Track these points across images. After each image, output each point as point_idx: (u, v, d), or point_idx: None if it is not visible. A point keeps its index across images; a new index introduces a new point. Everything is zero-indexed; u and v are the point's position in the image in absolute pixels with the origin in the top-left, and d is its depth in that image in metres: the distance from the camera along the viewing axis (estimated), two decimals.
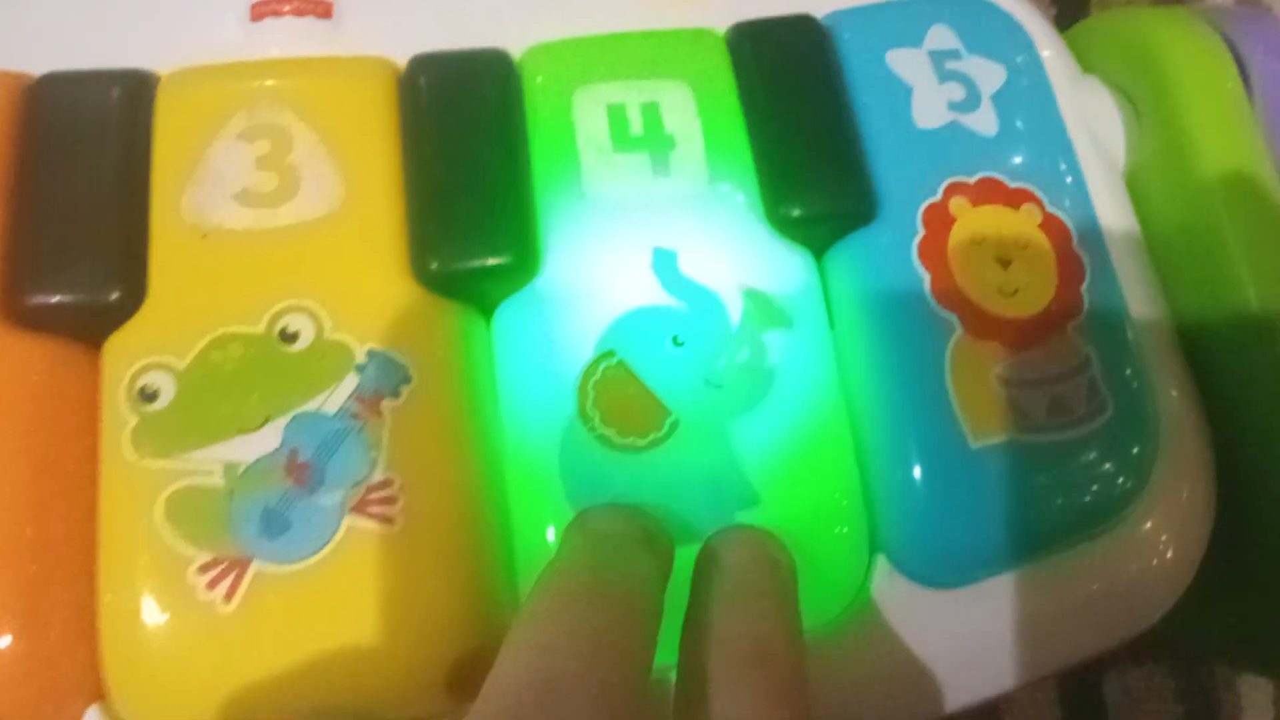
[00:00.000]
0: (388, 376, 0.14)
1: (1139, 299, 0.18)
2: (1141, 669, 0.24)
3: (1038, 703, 0.23)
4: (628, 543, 0.13)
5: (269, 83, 0.15)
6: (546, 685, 0.11)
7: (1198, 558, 0.18)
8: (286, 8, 0.17)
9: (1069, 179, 0.18)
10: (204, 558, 0.13)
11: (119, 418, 0.14)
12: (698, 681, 0.12)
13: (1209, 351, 0.19)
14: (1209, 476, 0.18)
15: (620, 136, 0.16)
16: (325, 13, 0.17)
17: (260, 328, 0.14)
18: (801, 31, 0.18)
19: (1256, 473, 0.18)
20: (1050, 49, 0.20)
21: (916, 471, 0.15)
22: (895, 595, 0.16)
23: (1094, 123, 0.20)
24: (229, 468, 0.13)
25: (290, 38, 0.17)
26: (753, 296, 0.16)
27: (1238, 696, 0.24)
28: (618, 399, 0.15)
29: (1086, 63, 0.21)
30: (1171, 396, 0.18)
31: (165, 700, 0.13)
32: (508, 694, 0.11)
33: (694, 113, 0.16)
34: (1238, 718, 0.24)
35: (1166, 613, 0.19)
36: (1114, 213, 0.19)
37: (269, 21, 0.17)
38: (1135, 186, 0.20)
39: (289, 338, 0.14)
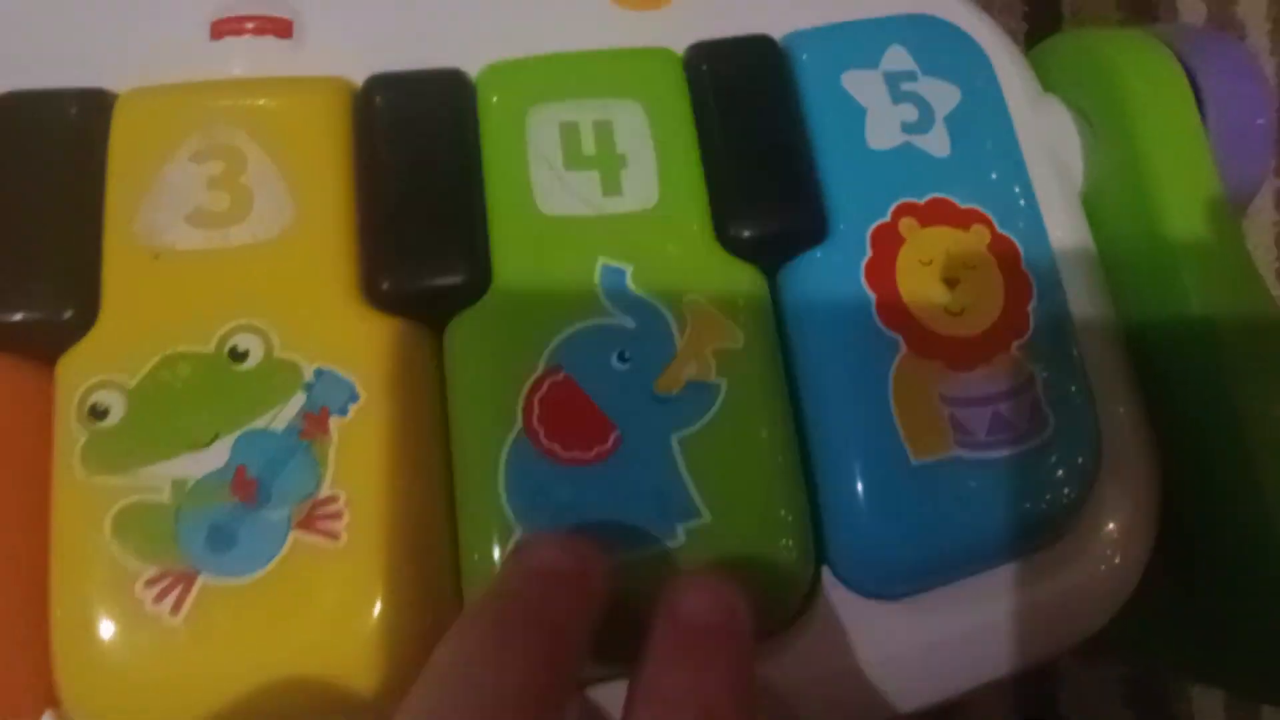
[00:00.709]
0: (335, 395, 0.14)
1: (1089, 316, 0.19)
2: (1095, 676, 0.24)
3: (994, 707, 0.24)
4: (560, 579, 0.13)
5: (223, 103, 0.16)
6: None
7: (1140, 567, 0.18)
8: (246, 27, 0.17)
9: (1021, 199, 0.18)
10: (151, 572, 0.13)
11: (70, 435, 0.14)
12: None
13: (1160, 366, 0.19)
14: (1154, 489, 0.18)
15: (572, 155, 0.16)
16: (285, 31, 0.17)
17: (210, 347, 0.14)
18: (758, 52, 0.18)
19: (1203, 487, 0.18)
20: (1011, 69, 0.20)
21: (859, 487, 0.16)
22: (840, 607, 0.16)
23: (1053, 142, 0.20)
24: (177, 484, 0.14)
25: (251, 57, 0.17)
26: (700, 314, 0.16)
27: (1189, 703, 0.24)
28: (563, 415, 0.15)
29: (1048, 82, 0.22)
30: (1118, 412, 0.18)
31: (115, 708, 0.14)
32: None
33: (647, 132, 0.17)
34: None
35: (1118, 622, 0.20)
36: (1068, 231, 0.19)
37: (229, 40, 0.17)
38: (1093, 205, 0.21)
39: (238, 357, 0.14)
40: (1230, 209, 0.20)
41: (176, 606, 0.13)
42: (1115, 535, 0.17)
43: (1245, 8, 0.29)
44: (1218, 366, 0.17)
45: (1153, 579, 0.20)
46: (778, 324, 0.17)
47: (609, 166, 0.16)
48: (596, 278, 0.16)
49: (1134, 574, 0.18)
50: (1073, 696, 0.25)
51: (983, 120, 0.18)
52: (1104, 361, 0.18)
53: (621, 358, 0.15)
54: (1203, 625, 0.19)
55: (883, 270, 0.17)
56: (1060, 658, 0.25)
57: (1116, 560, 0.18)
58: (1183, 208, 0.19)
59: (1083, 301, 0.19)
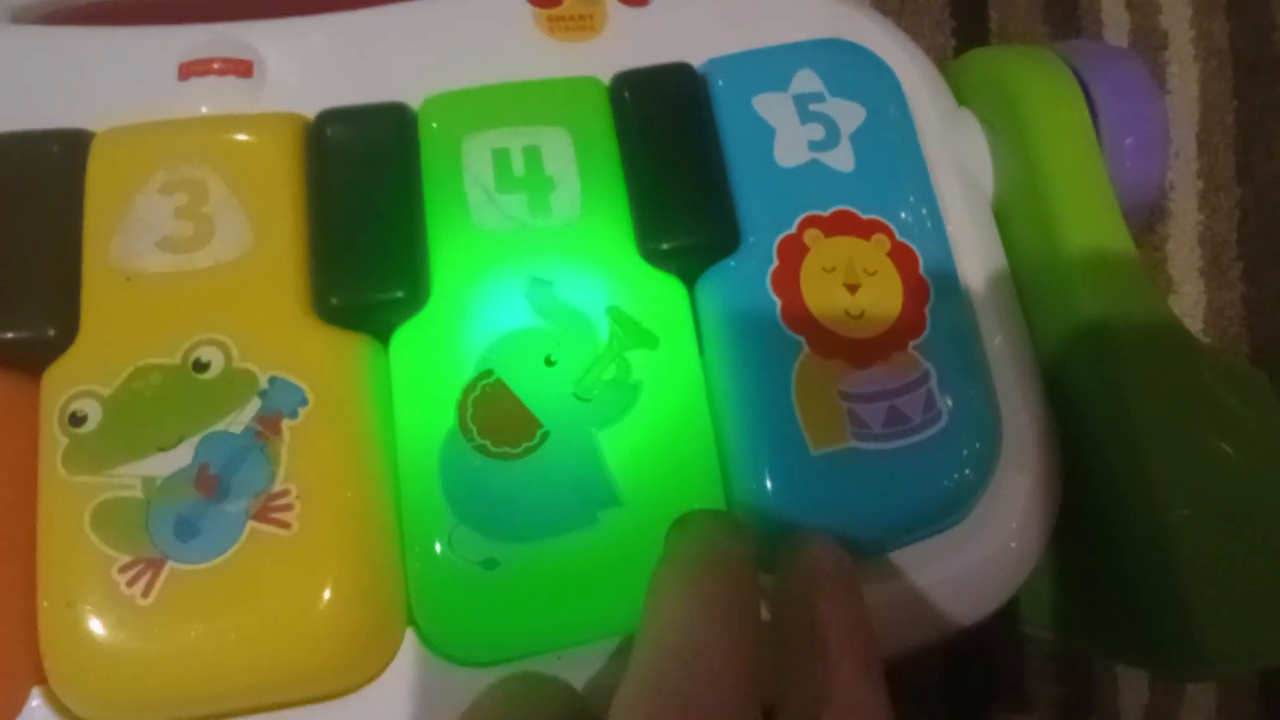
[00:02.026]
0: (287, 400, 0.16)
1: (993, 317, 0.20)
2: (1023, 651, 0.25)
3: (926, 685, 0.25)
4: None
5: (187, 140, 0.17)
6: None
7: (1039, 550, 0.19)
8: (210, 68, 0.19)
9: (922, 210, 0.20)
10: (124, 559, 0.15)
11: (53, 439, 0.16)
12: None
13: (1058, 365, 0.20)
14: (1053, 477, 0.20)
15: (504, 178, 0.18)
16: (246, 72, 0.19)
17: (176, 359, 0.16)
18: (677, 79, 0.20)
19: (1097, 479, 0.19)
20: (922, 86, 0.22)
21: (764, 475, 0.17)
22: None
23: (964, 154, 0.22)
24: (147, 481, 0.16)
25: (215, 95, 0.19)
26: (620, 320, 0.17)
27: (1115, 676, 0.26)
28: (494, 413, 0.16)
29: (962, 97, 0.23)
30: (1019, 405, 0.19)
31: (95, 682, 0.15)
32: None
33: (572, 155, 0.18)
34: (1114, 698, 0.26)
35: (1038, 604, 0.21)
36: (973, 238, 0.21)
37: (195, 81, 0.19)
38: (1001, 215, 0.22)
39: (201, 367, 0.16)
40: (1124, 218, 0.21)
41: (147, 590, 0.15)
42: (1014, 520, 0.19)
43: (1169, 18, 0.30)
44: (1108, 366, 0.19)
45: (1064, 561, 0.21)
46: (696, 328, 0.19)
47: (537, 188, 0.18)
48: (526, 288, 0.17)
49: (1032, 556, 0.19)
50: (1003, 675, 0.26)
51: (887, 136, 0.20)
52: (1007, 358, 0.20)
53: (548, 361, 0.17)
54: (1105, 609, 0.20)
55: (787, 278, 0.18)
56: (990, 639, 0.27)
57: (1014, 544, 0.19)
58: (1075, 217, 0.20)
59: (987, 303, 0.20)
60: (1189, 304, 0.29)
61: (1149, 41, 0.29)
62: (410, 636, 0.17)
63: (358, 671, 0.16)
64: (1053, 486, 0.20)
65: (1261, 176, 0.29)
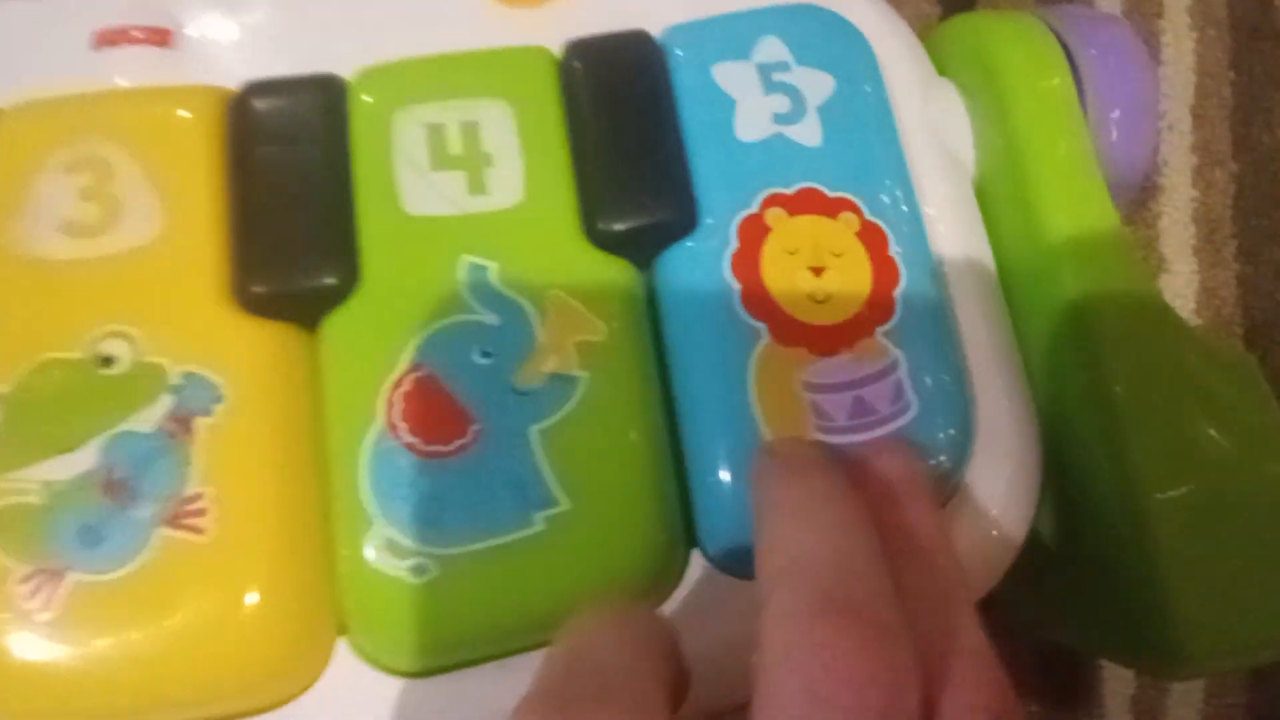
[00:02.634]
0: (200, 396, 0.15)
1: (971, 298, 0.19)
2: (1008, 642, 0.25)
3: None
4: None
5: (93, 115, 0.16)
6: None
7: (1018, 541, 0.18)
8: (127, 37, 0.18)
9: (894, 186, 0.18)
10: (24, 570, 0.14)
11: None
12: None
13: (1039, 348, 0.19)
14: (1033, 465, 0.18)
15: (438, 155, 0.17)
16: (165, 41, 0.18)
17: (78, 353, 0.15)
18: (632, 48, 0.18)
19: (1079, 466, 0.18)
20: (900, 55, 0.20)
21: (722, 472, 0.16)
22: (710, 587, 0.17)
23: (943, 127, 0.21)
24: (47, 486, 0.14)
25: (133, 66, 0.18)
26: (561, 307, 0.16)
27: (1100, 668, 0.25)
28: (423, 409, 0.15)
29: (943, 67, 0.22)
30: (994, 390, 0.18)
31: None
32: None
33: (514, 131, 0.17)
34: (1100, 689, 0.25)
35: (1020, 598, 0.20)
36: (949, 217, 0.19)
37: (110, 50, 0.18)
38: (983, 190, 0.21)
39: (107, 361, 0.15)
40: (1112, 193, 0.20)
41: (49, 602, 0.14)
42: (994, 507, 0.18)
43: None
44: (1089, 348, 0.18)
45: (1046, 553, 0.21)
46: (652, 315, 0.18)
47: (474, 166, 0.17)
48: (461, 275, 0.16)
49: (1014, 544, 0.18)
50: None
51: (858, 108, 0.19)
52: (984, 342, 0.19)
53: (484, 353, 0.16)
54: (1086, 604, 0.19)
55: (748, 261, 0.17)
56: None
57: (994, 532, 0.18)
58: (1056, 193, 0.19)
59: (964, 285, 0.19)
60: (1182, 283, 0.27)
61: (1143, 9, 0.28)
62: (342, 645, 0.16)
63: (284, 684, 0.15)
64: (1033, 473, 0.18)
65: (1260, 150, 0.28)
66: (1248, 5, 0.28)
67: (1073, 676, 0.25)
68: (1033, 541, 0.19)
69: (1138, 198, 0.27)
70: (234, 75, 0.18)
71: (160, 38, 0.18)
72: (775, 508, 0.14)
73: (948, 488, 0.17)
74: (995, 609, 0.23)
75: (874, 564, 0.13)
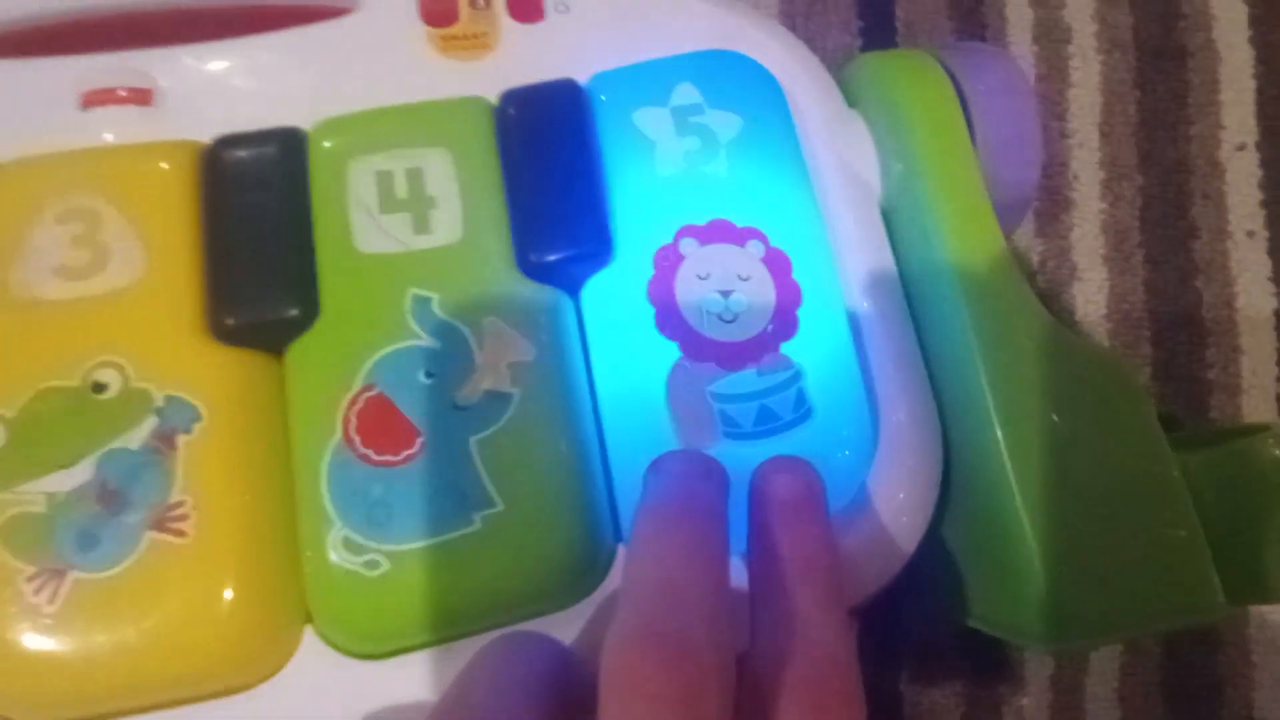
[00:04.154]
0: (181, 416, 0.17)
1: (869, 311, 0.21)
2: (933, 626, 0.27)
3: None
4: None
5: (82, 170, 0.18)
6: None
7: (917, 535, 0.20)
8: (112, 98, 0.20)
9: (798, 214, 0.20)
10: (31, 570, 0.16)
11: None
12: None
13: (936, 351, 0.21)
14: (933, 467, 0.20)
15: (387, 200, 0.19)
16: (146, 100, 0.20)
17: (76, 381, 0.17)
18: (561, 95, 0.21)
19: (967, 464, 0.21)
20: (810, 90, 0.23)
21: (642, 474, 0.18)
22: None
23: (852, 155, 0.23)
24: (50, 497, 0.17)
25: (118, 123, 0.20)
26: (496, 332, 0.18)
27: (1021, 649, 0.27)
28: (375, 425, 0.18)
29: (853, 99, 0.24)
30: (895, 392, 0.20)
31: (9, 683, 0.16)
32: None
33: (454, 176, 0.19)
34: (1021, 669, 0.27)
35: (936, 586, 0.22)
36: (854, 238, 0.22)
37: (97, 110, 0.20)
38: (890, 211, 0.23)
39: (100, 388, 0.17)
40: (1002, 210, 0.22)
41: (52, 598, 0.16)
42: (896, 502, 0.20)
43: (1072, 12, 0.31)
44: (971, 351, 0.20)
45: (948, 540, 0.23)
46: (581, 335, 0.20)
47: (419, 208, 0.19)
48: (407, 306, 0.18)
49: (915, 534, 0.21)
50: (912, 650, 0.28)
51: (765, 144, 0.21)
52: (884, 349, 0.21)
53: (428, 374, 0.18)
54: (977, 582, 0.21)
55: (663, 286, 0.19)
56: (900, 615, 0.28)
57: (901, 519, 0.20)
58: (946, 213, 0.21)
59: (867, 299, 0.21)
60: (1093, 289, 0.30)
61: (1052, 35, 0.30)
62: (309, 633, 0.18)
63: (258, 667, 0.17)
64: (934, 468, 0.20)
65: (1165, 164, 0.30)
66: (1151, 28, 0.30)
67: (994, 657, 0.28)
68: (939, 528, 0.21)
69: (1049, 210, 0.29)
70: (208, 128, 0.20)
71: (142, 97, 0.20)
72: (633, 540, 0.16)
73: (851, 483, 0.20)
74: (915, 595, 0.26)
75: (700, 588, 0.14)
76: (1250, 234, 0.30)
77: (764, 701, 0.14)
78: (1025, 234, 0.30)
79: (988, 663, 0.28)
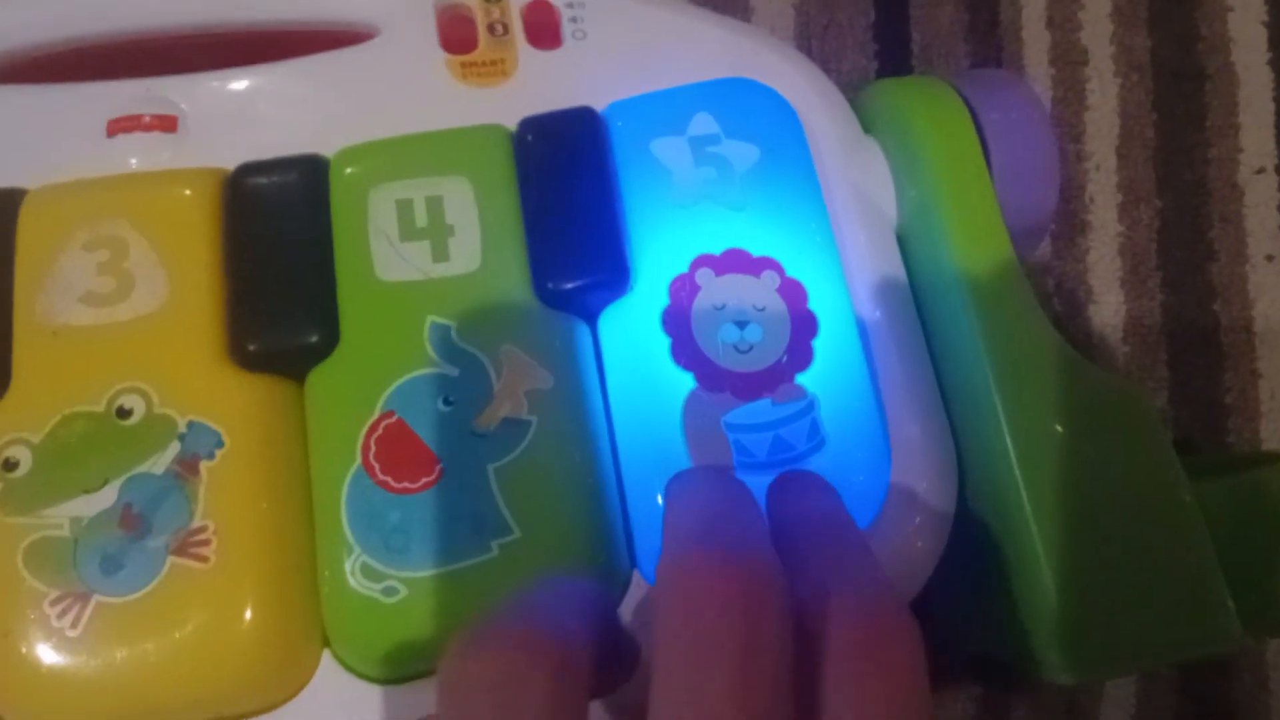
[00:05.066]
0: (204, 442, 0.17)
1: (884, 338, 0.21)
2: (944, 648, 0.26)
3: None
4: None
5: (108, 198, 0.19)
6: None
7: (932, 561, 0.20)
8: (137, 125, 0.20)
9: (814, 244, 0.21)
10: (55, 594, 0.17)
11: None
12: None
13: (951, 379, 0.21)
14: (948, 492, 0.20)
15: (406, 228, 0.19)
16: (170, 127, 0.20)
17: (100, 407, 0.17)
18: (578, 123, 0.21)
19: (982, 491, 0.21)
20: (826, 118, 0.23)
21: (659, 499, 0.18)
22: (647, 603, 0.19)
23: (867, 182, 0.23)
24: (74, 521, 0.17)
25: (143, 150, 0.20)
26: (514, 360, 0.19)
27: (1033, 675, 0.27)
28: (394, 452, 0.18)
29: (869, 125, 0.24)
30: (909, 418, 0.20)
31: (34, 706, 0.17)
32: None
33: (473, 204, 0.19)
34: (1036, 695, 0.27)
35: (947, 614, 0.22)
36: (869, 265, 0.22)
37: (122, 138, 0.20)
38: (905, 238, 0.23)
39: (124, 414, 0.17)
40: (1019, 236, 0.22)
41: (76, 622, 0.17)
42: (910, 525, 0.20)
43: (1089, 35, 0.31)
44: (988, 384, 0.20)
45: (963, 570, 0.23)
46: (599, 363, 0.20)
47: (438, 236, 0.19)
48: (426, 334, 0.19)
49: (926, 567, 0.21)
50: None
51: (781, 174, 0.21)
52: (899, 376, 0.21)
53: (446, 401, 0.18)
54: (991, 610, 0.21)
55: (678, 316, 0.19)
56: None
57: (909, 553, 0.20)
58: (961, 239, 0.21)
59: (882, 326, 0.21)
60: (1109, 313, 0.29)
61: (1069, 58, 0.30)
62: (327, 656, 0.18)
63: (278, 690, 0.18)
64: (949, 492, 0.20)
65: (1182, 187, 0.30)
66: (1169, 51, 0.30)
67: (1007, 683, 0.27)
68: (952, 556, 0.21)
69: (1066, 233, 0.29)
70: (231, 155, 0.21)
71: (166, 124, 0.20)
72: (668, 501, 0.16)
73: (865, 511, 0.20)
74: (926, 621, 0.25)
75: (746, 518, 0.14)
76: (1269, 258, 0.30)
77: (820, 655, 0.14)
78: (1042, 256, 0.30)
79: (1001, 689, 0.28)
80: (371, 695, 0.18)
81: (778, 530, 0.17)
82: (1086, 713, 0.28)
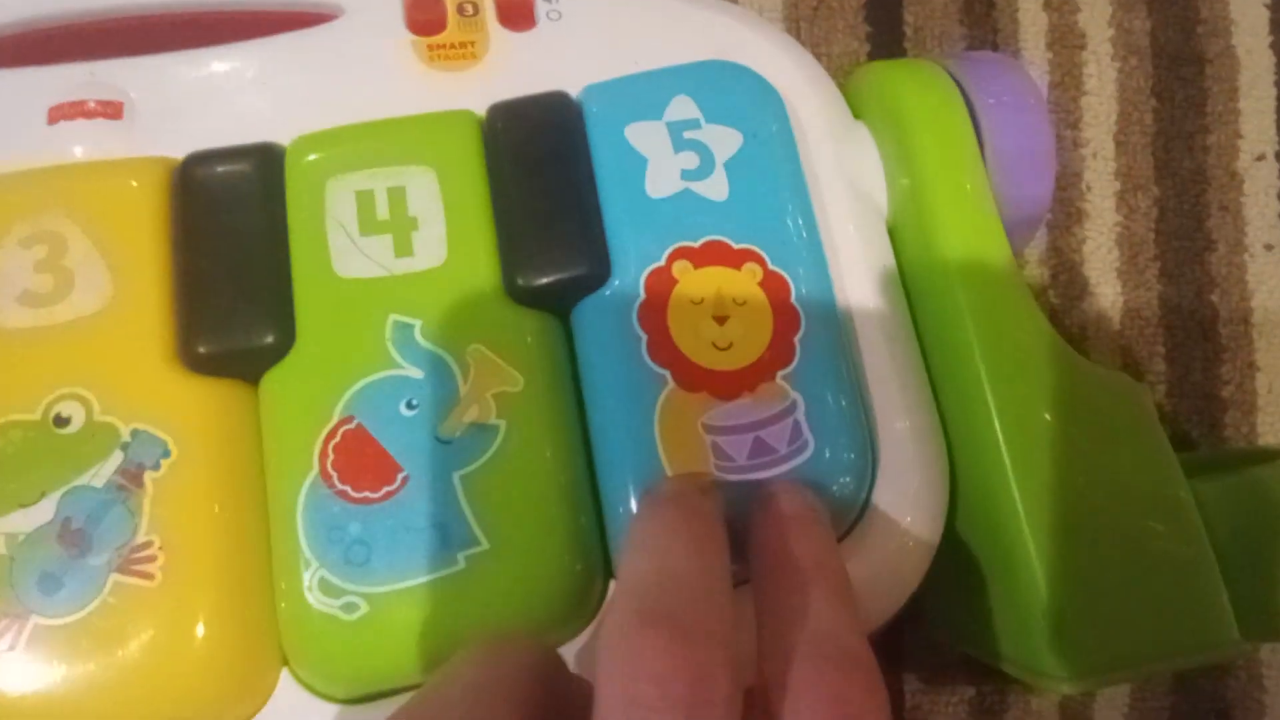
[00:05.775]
0: (149, 452, 0.16)
1: (872, 332, 0.20)
2: (935, 651, 0.26)
3: None
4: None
5: (46, 190, 0.17)
6: None
7: (923, 565, 0.20)
8: (80, 111, 0.19)
9: (798, 235, 0.19)
10: None
11: None
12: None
13: (941, 372, 0.20)
14: (938, 493, 0.20)
15: (367, 221, 0.18)
16: (116, 114, 0.19)
17: (37, 415, 0.16)
18: (551, 109, 0.20)
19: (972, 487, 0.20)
20: (814, 102, 0.22)
21: (632, 507, 0.17)
22: None
23: (857, 169, 0.22)
24: (9, 538, 0.16)
25: (87, 138, 0.19)
26: (481, 361, 0.18)
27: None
28: (354, 459, 0.17)
29: (858, 110, 0.23)
30: (897, 415, 0.19)
31: None
32: None
33: (438, 195, 0.18)
34: (1028, 696, 0.26)
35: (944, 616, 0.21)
36: (858, 255, 0.21)
37: (64, 125, 0.19)
38: (895, 229, 0.22)
39: (62, 422, 0.16)
40: (1013, 226, 0.21)
41: (13, 644, 0.16)
42: (900, 525, 0.19)
43: (1087, 17, 0.30)
44: (979, 379, 0.19)
45: (954, 570, 0.22)
46: (572, 360, 0.19)
47: (401, 230, 0.18)
48: (388, 333, 0.18)
49: (918, 569, 0.20)
50: (915, 676, 0.27)
51: (765, 162, 0.20)
52: (887, 372, 0.20)
53: (409, 405, 0.17)
54: (984, 614, 0.21)
55: (654, 311, 0.18)
56: (901, 639, 0.27)
57: (900, 555, 0.19)
58: (952, 229, 0.20)
59: (870, 319, 0.20)
60: (1106, 304, 0.29)
61: (1066, 41, 0.29)
62: (286, 676, 0.17)
63: (232, 712, 0.17)
64: (939, 491, 0.20)
65: (1181, 175, 0.29)
66: (1169, 34, 0.29)
67: (1000, 685, 0.27)
68: (944, 557, 0.20)
69: (1062, 222, 0.28)
70: (181, 143, 0.19)
71: (113, 110, 0.19)
72: (629, 541, 0.15)
73: (852, 512, 0.19)
74: (918, 622, 0.25)
75: (703, 581, 0.14)
76: (1268, 247, 0.29)
77: (780, 695, 0.13)
78: (1036, 246, 0.29)
79: (993, 691, 0.27)
80: (333, 715, 0.17)
81: (753, 557, 0.16)
82: (1080, 713, 0.27)
